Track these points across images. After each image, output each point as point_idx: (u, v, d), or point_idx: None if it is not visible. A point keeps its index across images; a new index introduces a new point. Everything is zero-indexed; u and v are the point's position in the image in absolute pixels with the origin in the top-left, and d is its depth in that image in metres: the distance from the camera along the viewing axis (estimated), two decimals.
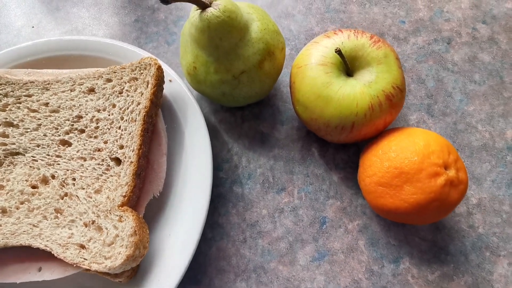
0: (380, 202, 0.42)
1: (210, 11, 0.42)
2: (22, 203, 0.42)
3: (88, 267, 0.38)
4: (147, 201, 0.44)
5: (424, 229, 0.48)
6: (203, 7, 0.42)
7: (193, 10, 0.44)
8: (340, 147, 0.56)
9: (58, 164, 0.44)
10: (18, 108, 0.49)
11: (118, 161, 0.44)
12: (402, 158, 0.40)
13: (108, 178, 0.45)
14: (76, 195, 0.42)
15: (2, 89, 0.51)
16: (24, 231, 0.41)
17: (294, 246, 0.50)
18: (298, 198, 0.52)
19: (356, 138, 0.45)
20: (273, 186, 0.53)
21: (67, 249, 0.39)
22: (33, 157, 0.45)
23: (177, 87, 0.49)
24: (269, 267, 0.49)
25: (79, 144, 0.45)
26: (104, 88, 0.50)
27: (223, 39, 0.44)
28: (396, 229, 0.50)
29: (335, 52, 0.43)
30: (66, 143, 0.45)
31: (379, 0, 0.66)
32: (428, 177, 0.39)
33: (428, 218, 0.41)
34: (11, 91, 0.51)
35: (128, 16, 0.67)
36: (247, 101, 0.52)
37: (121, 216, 0.40)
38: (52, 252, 0.39)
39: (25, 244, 0.40)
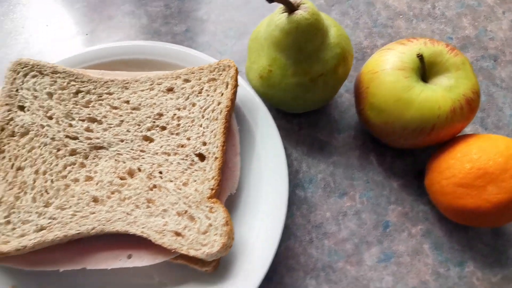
0: (459, 203, 0.44)
1: (300, 13, 0.45)
2: (112, 193, 0.44)
3: (186, 253, 0.40)
4: (225, 197, 0.46)
5: (485, 234, 0.50)
6: (292, 9, 0.45)
7: (277, 13, 0.47)
8: (397, 156, 0.59)
9: (143, 158, 0.46)
10: (100, 105, 0.51)
11: (201, 156, 0.45)
12: (486, 160, 0.43)
13: (193, 172, 0.47)
14: (165, 187, 0.44)
15: (84, 87, 0.53)
16: (119, 219, 0.42)
17: (360, 247, 0.52)
18: (360, 203, 0.54)
19: (430, 141, 0.48)
20: (335, 190, 0.55)
21: (164, 235, 0.41)
22: (118, 151, 0.46)
23: (243, 91, 0.52)
24: (337, 266, 0.51)
25: (162, 140, 0.47)
26: (183, 88, 0.52)
27: (308, 41, 0.47)
28: (458, 235, 0.52)
29: (417, 57, 0.46)
30: (148, 139, 0.47)
31: (426, 16, 0.70)
32: None
33: (506, 218, 0.43)
34: (92, 89, 0.53)
35: (178, 27, 0.70)
36: (315, 106, 0.56)
37: (212, 208, 0.42)
38: (149, 238, 0.40)
39: (121, 230, 0.41)
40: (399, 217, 0.53)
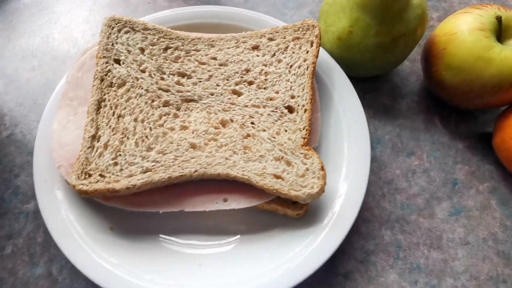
0: None
1: None
2: (209, 140, 0.47)
3: (287, 193, 0.43)
4: None
5: None
6: None
7: None
8: (461, 120, 0.63)
9: (234, 110, 0.49)
10: (189, 60, 0.54)
11: (290, 109, 0.49)
12: None
13: (283, 123, 0.50)
14: (259, 136, 0.47)
15: (172, 43, 0.56)
16: (219, 163, 0.45)
17: (430, 202, 0.55)
18: (427, 162, 0.58)
19: (504, 100, 0.52)
20: (402, 150, 0.59)
21: (264, 177, 0.44)
22: (208, 104, 0.49)
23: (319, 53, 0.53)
24: (410, 219, 0.53)
25: (250, 94, 0.50)
26: (268, 46, 0.56)
27: (396, 0, 0.49)
28: None
29: (496, 19, 0.49)
30: (237, 93, 0.50)
31: None
32: None
33: None
34: (180, 45, 0.56)
35: None
36: (387, 68, 0.59)
37: (306, 154, 0.45)
38: (251, 180, 0.43)
39: (223, 173, 0.44)
40: (466, 175, 0.56)
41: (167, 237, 0.48)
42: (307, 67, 0.49)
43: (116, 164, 0.48)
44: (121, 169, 0.47)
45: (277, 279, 0.42)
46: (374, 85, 0.60)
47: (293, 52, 0.50)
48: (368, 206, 0.53)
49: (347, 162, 0.50)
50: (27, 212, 0.55)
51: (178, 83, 0.50)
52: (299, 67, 0.49)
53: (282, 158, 0.46)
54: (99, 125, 0.49)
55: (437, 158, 0.55)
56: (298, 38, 0.51)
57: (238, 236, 0.48)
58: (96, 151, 0.48)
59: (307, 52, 0.50)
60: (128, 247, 0.46)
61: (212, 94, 0.49)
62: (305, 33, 0.51)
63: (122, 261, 0.44)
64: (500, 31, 0.47)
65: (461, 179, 0.53)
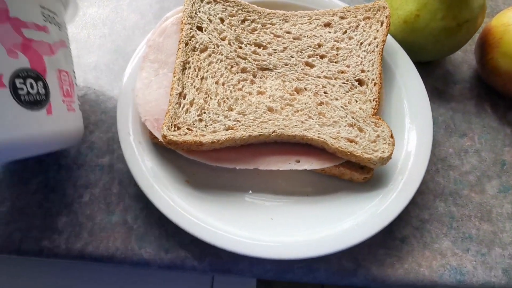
0: None
1: None
2: (285, 105, 0.50)
3: (360, 156, 0.46)
4: None
5: None
6: None
7: None
8: (509, 107, 0.67)
9: (307, 80, 0.53)
10: (265, 32, 0.58)
11: (360, 82, 0.52)
12: None
13: (354, 94, 0.54)
14: (332, 104, 0.51)
15: (249, 16, 0.60)
16: (295, 125, 0.48)
17: (481, 179, 0.59)
18: (479, 143, 0.62)
19: None
20: (455, 131, 0.63)
21: (339, 141, 0.47)
22: (283, 73, 0.53)
23: None
24: (463, 193, 0.57)
25: (322, 66, 0.53)
26: (340, 24, 0.60)
27: None
28: None
29: None
30: (309, 65, 0.54)
31: None
32: None
33: None
34: (257, 18, 0.60)
35: None
36: (449, 52, 0.63)
37: (376, 123, 0.49)
38: (326, 142, 0.47)
39: (299, 135, 0.47)
40: None
41: (238, 192, 0.52)
42: (377, 45, 0.53)
43: (201, 120, 0.52)
44: (206, 125, 0.51)
45: (341, 237, 0.45)
46: (428, 70, 0.63)
47: (364, 31, 0.54)
48: (424, 179, 0.57)
49: (409, 133, 0.53)
50: (102, 166, 0.59)
51: (254, 52, 0.54)
52: (369, 45, 0.53)
53: (355, 124, 0.49)
54: (185, 84, 0.53)
55: (488, 140, 0.58)
56: (368, 18, 0.54)
57: (306, 196, 0.51)
58: (183, 107, 0.52)
59: (377, 31, 0.53)
60: (204, 198, 0.50)
61: (286, 64, 0.53)
62: (376, 13, 0.54)
63: (199, 209, 0.48)
64: None
65: (509, 161, 0.57)
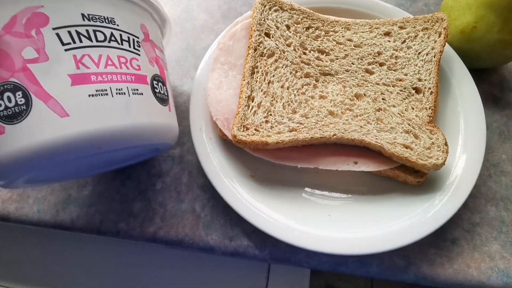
0: None
1: None
2: (345, 110, 0.53)
3: (414, 161, 0.49)
4: None
5: None
6: None
7: None
8: None
9: (367, 86, 0.56)
10: (328, 40, 0.61)
11: (417, 90, 0.55)
12: None
13: (411, 102, 0.56)
14: (390, 110, 0.54)
15: (314, 23, 0.64)
16: (354, 130, 0.52)
17: None
18: None
19: None
20: (509, 138, 0.65)
21: (395, 146, 0.50)
22: (344, 79, 0.56)
23: None
24: None
25: (381, 74, 0.56)
26: (399, 33, 0.63)
27: None
28: None
29: None
30: (369, 72, 0.56)
31: None
32: None
33: None
34: (321, 26, 0.64)
35: None
36: (502, 63, 0.66)
37: (431, 130, 0.52)
38: (383, 147, 0.50)
39: (358, 139, 0.50)
40: None
41: (298, 188, 0.55)
42: (434, 55, 0.55)
43: (267, 122, 0.56)
44: (272, 127, 0.56)
45: (394, 236, 0.48)
46: (484, 76, 0.64)
47: (422, 41, 0.57)
48: (475, 184, 0.59)
49: (463, 141, 0.54)
50: (173, 157, 0.65)
51: (317, 58, 0.57)
52: (427, 54, 0.56)
53: (411, 131, 0.52)
54: (253, 87, 0.58)
55: None
56: (427, 28, 0.57)
57: (362, 195, 0.55)
58: (251, 109, 0.55)
59: (435, 41, 0.56)
60: (266, 192, 0.54)
61: (347, 70, 0.56)
62: (434, 25, 0.57)
63: (262, 202, 0.52)
64: None
65: None
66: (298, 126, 0.53)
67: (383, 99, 0.53)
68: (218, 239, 0.55)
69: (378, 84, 0.55)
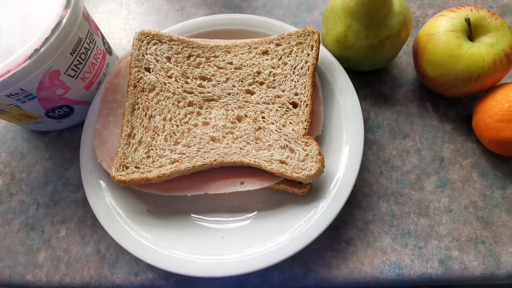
0: (500, 135, 0.57)
1: None
2: (227, 133, 0.55)
3: (290, 175, 0.50)
4: (313, 137, 0.58)
5: None
6: None
7: None
8: (450, 104, 0.70)
9: (248, 107, 0.58)
10: (209, 66, 0.63)
11: (294, 104, 0.57)
12: None
13: (289, 117, 0.59)
14: (269, 128, 0.56)
15: (194, 51, 0.66)
16: (234, 152, 0.54)
17: (421, 177, 0.61)
18: (420, 143, 0.66)
19: (475, 89, 0.60)
20: (399, 133, 0.68)
21: (272, 163, 0.52)
22: (226, 102, 0.58)
23: (321, 54, 0.62)
24: (403, 192, 0.60)
25: (261, 93, 0.59)
26: (276, 51, 0.63)
27: (378, 10, 0.59)
28: (501, 165, 0.59)
29: (465, 21, 0.58)
30: (250, 92, 0.58)
31: None
32: None
33: None
34: (201, 53, 0.66)
35: (256, 2, 0.77)
36: (380, 65, 0.68)
37: (306, 142, 0.54)
38: (261, 166, 0.51)
39: (238, 161, 0.52)
40: (452, 153, 0.63)
41: (195, 215, 0.56)
42: (308, 68, 0.57)
43: (148, 157, 0.55)
44: (153, 161, 0.55)
45: (287, 245, 0.49)
46: (375, 77, 0.68)
47: (297, 56, 0.59)
48: (368, 182, 0.60)
49: (345, 147, 0.56)
50: (77, 200, 0.62)
51: (200, 85, 0.59)
52: (301, 68, 0.58)
53: (287, 146, 0.53)
54: (134, 125, 0.59)
55: (428, 139, 0.63)
56: (300, 43, 0.60)
57: (256, 212, 0.56)
58: (132, 147, 0.56)
59: (308, 55, 0.58)
60: (163, 225, 0.54)
61: (229, 94, 0.58)
62: (306, 39, 0.60)
63: (157, 237, 0.52)
64: (470, 31, 0.56)
65: (448, 156, 0.61)
66: (180, 157, 0.54)
67: (262, 117, 0.55)
68: (124, 276, 0.55)
69: (258, 103, 0.57)
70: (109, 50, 0.65)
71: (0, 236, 0.59)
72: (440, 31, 0.59)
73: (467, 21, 0.55)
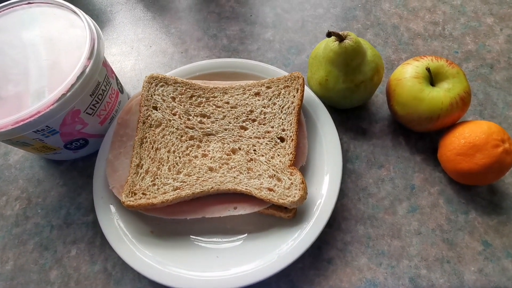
0: (458, 167, 0.64)
1: (347, 42, 0.66)
2: (222, 164, 0.60)
3: (276, 202, 0.54)
4: (299, 167, 0.60)
5: (483, 192, 0.63)
6: (341, 39, 0.66)
7: (331, 41, 0.67)
8: (420, 138, 0.70)
9: (241, 141, 0.62)
10: (209, 105, 0.66)
11: (282, 139, 0.61)
12: (474, 136, 0.56)
13: (277, 150, 0.62)
14: (259, 160, 0.61)
15: (196, 92, 0.70)
16: (229, 181, 0.57)
17: (394, 203, 0.64)
18: (393, 172, 0.67)
19: (438, 127, 0.62)
20: (375, 164, 0.68)
21: (261, 190, 0.55)
22: (223, 137, 0.62)
23: (307, 94, 0.68)
24: (378, 216, 0.63)
25: (253, 129, 0.63)
26: (266, 92, 0.66)
27: (353, 60, 0.67)
28: (464, 193, 0.63)
29: (426, 69, 0.67)
30: (244, 128, 0.62)
31: (437, 36, 0.81)
32: (492, 147, 0.55)
33: (491, 177, 0.56)
34: (202, 94, 0.68)
35: (251, 46, 0.82)
36: (358, 103, 0.75)
37: (291, 172, 0.58)
38: (252, 193, 0.55)
39: (231, 189, 0.56)
40: (421, 181, 0.66)
41: (194, 236, 0.60)
42: (294, 108, 0.62)
43: (154, 185, 0.59)
44: (158, 188, 0.59)
45: (273, 263, 0.53)
46: (355, 113, 0.72)
47: (284, 97, 0.64)
48: (348, 207, 0.64)
49: (326, 176, 0.61)
50: (87, 223, 0.65)
51: (200, 122, 0.64)
52: (288, 108, 0.63)
53: (274, 175, 0.57)
54: (142, 156, 0.62)
55: (400, 168, 0.67)
56: (288, 86, 0.65)
57: (246, 234, 0.59)
58: (140, 175, 0.60)
59: (294, 96, 0.64)
60: (165, 245, 0.58)
61: (225, 129, 0.63)
62: (293, 82, 0.65)
63: (159, 255, 0.56)
64: (431, 77, 0.61)
65: (418, 184, 0.65)
66: (181, 185, 0.58)
67: (254, 150, 0.60)
68: None
69: (251, 137, 0.61)
70: (121, 89, 0.70)
71: (15, 256, 0.62)
72: (406, 77, 0.68)
73: (428, 69, 0.65)
